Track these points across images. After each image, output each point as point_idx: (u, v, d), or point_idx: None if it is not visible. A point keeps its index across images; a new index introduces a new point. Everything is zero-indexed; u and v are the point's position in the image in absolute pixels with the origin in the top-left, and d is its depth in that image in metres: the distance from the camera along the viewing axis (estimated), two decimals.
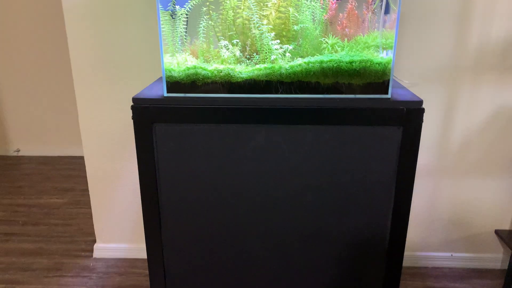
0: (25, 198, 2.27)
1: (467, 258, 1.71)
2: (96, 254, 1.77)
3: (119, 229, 1.73)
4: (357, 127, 1.12)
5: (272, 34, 1.11)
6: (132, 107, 1.13)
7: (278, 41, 1.11)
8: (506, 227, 1.66)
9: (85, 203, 2.20)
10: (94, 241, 1.81)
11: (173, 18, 1.16)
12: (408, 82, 1.34)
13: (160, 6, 1.10)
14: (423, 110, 1.10)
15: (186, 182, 1.20)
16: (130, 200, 1.70)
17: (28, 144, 2.88)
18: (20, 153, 2.90)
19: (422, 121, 1.12)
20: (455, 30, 1.42)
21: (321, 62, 1.09)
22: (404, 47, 1.43)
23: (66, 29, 1.49)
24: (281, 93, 1.12)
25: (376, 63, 1.09)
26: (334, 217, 1.21)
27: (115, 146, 1.61)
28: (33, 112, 2.83)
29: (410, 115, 1.11)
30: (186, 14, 1.16)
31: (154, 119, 1.14)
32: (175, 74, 1.12)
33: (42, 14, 2.58)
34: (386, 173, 1.16)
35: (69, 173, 2.57)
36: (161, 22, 1.13)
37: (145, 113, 1.13)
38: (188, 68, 1.11)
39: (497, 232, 1.67)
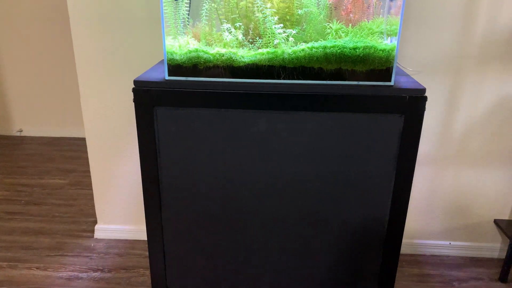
0: (28, 178, 2.28)
1: (465, 247, 1.72)
2: (97, 234, 1.79)
3: (120, 211, 1.75)
4: (359, 114, 1.12)
5: (276, 18, 1.10)
6: (133, 90, 1.13)
7: (282, 25, 1.10)
8: (505, 217, 1.67)
9: (87, 185, 2.22)
10: (95, 222, 1.83)
11: (175, 0, 1.15)
12: (411, 69, 1.32)
13: None
14: (425, 98, 1.10)
15: (187, 166, 1.20)
16: (131, 182, 1.71)
17: (31, 124, 2.89)
18: (23, 133, 2.91)
19: (424, 109, 1.11)
20: (461, 18, 1.40)
21: (325, 47, 1.08)
22: (408, 34, 1.42)
23: (68, 9, 1.47)
24: (283, 78, 1.11)
25: (380, 50, 1.08)
26: (334, 204, 1.22)
27: (116, 127, 1.61)
28: (36, 92, 2.83)
29: (413, 103, 1.10)
30: None
31: (155, 102, 1.13)
32: (177, 57, 1.11)
33: None
34: (386, 161, 1.16)
35: (71, 154, 2.58)
36: (164, 4, 1.11)
37: (146, 96, 1.13)
38: (190, 51, 1.11)
39: (496, 221, 1.67)
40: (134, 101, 1.14)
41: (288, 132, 1.15)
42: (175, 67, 1.12)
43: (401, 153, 1.15)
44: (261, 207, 1.24)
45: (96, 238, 1.79)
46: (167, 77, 1.13)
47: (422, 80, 1.46)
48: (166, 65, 1.11)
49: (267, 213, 1.24)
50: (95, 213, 1.83)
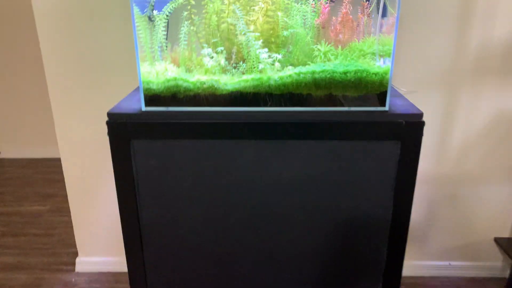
0: (5, 206, 2.17)
1: (466, 267, 1.65)
2: (78, 268, 1.68)
3: (101, 242, 1.64)
4: (352, 142, 1.04)
5: (260, 41, 1.02)
6: (107, 123, 1.04)
7: (266, 49, 1.02)
8: (506, 234, 1.60)
9: (68, 210, 2.09)
10: (76, 253, 1.72)
11: (151, 21, 1.07)
12: (405, 90, 1.25)
13: (136, 9, 1.00)
14: (423, 124, 1.02)
15: (168, 201, 1.11)
16: (112, 212, 1.61)
17: (10, 145, 2.76)
18: (1, 156, 2.78)
19: (422, 135, 1.04)
20: (454, 32, 1.34)
21: (313, 72, 1.01)
22: (400, 51, 1.35)
23: (38, 33, 1.38)
24: (270, 106, 1.03)
25: (373, 73, 1.00)
26: (327, 239, 1.14)
27: (94, 156, 1.51)
28: (13, 112, 2.70)
29: (409, 129, 1.02)
30: (166, 18, 1.06)
31: (131, 136, 1.04)
32: (154, 86, 1.02)
33: (14, 15, 2.45)
34: (383, 191, 1.09)
35: (52, 176, 2.47)
36: (138, 28, 1.03)
37: (122, 129, 1.04)
38: (168, 80, 1.02)
39: (496, 240, 1.61)
40: (108, 135, 1.05)
41: (277, 162, 1.07)
42: (153, 97, 1.03)
43: (399, 182, 1.07)
44: (250, 241, 1.15)
45: (77, 272, 1.68)
46: (144, 108, 1.04)
47: (416, 96, 1.39)
48: (142, 95, 1.02)
49: (256, 248, 1.15)
50: (76, 244, 1.72)
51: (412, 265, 1.65)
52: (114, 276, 1.65)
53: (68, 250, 1.80)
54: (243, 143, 1.04)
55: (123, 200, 1.12)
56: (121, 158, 1.07)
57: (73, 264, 1.71)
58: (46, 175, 2.48)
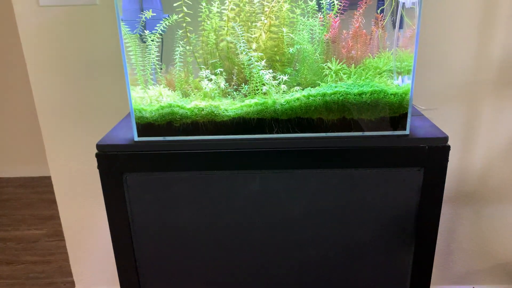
0: (1, 230, 2.07)
1: None
2: None
3: (99, 272, 1.54)
4: (369, 170, 0.93)
5: (263, 61, 0.91)
6: (97, 156, 0.93)
7: (271, 70, 0.91)
8: None
9: None
10: (74, 283, 1.62)
11: (143, 42, 0.96)
12: (424, 108, 1.15)
13: (124, 27, 0.90)
14: (448, 148, 0.91)
15: (166, 239, 1.01)
16: (109, 240, 1.50)
17: (5, 164, 2.67)
18: None
19: (447, 161, 0.93)
20: (475, 41, 1.22)
21: (324, 95, 0.90)
22: (417, 65, 1.24)
23: (25, 55, 1.28)
24: (277, 132, 0.93)
25: (391, 94, 0.89)
26: (343, 275, 1.03)
27: (88, 184, 1.41)
28: (8, 128, 2.62)
29: (433, 154, 0.92)
30: (160, 37, 0.96)
31: (124, 169, 0.94)
32: (147, 114, 0.92)
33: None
34: (405, 223, 0.97)
35: (49, 196, 2.37)
36: (128, 49, 0.92)
37: (113, 162, 0.94)
38: (162, 107, 0.92)
39: None
40: (98, 168, 0.95)
41: (285, 195, 0.96)
42: (146, 126, 0.93)
43: (422, 213, 0.96)
44: (257, 281, 1.04)
45: None
46: (136, 138, 0.93)
47: (435, 112, 1.28)
48: (135, 125, 0.92)
49: (263, 286, 1.05)
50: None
51: None
52: None
53: (65, 279, 1.70)
54: (247, 174, 0.94)
55: (117, 239, 1.01)
56: (113, 193, 0.97)
57: None
58: (43, 195, 2.39)
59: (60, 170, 1.41)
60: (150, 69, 0.96)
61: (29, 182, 2.57)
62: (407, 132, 0.92)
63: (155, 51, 0.95)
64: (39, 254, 1.88)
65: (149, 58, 0.96)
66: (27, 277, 1.73)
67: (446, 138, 0.91)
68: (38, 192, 2.43)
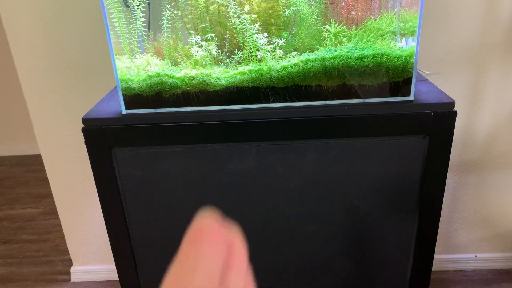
0: None
1: (493, 259, 1.52)
2: (74, 277, 1.57)
3: (96, 249, 1.52)
4: (371, 139, 0.88)
5: (257, 25, 0.85)
6: (83, 130, 0.88)
7: (265, 35, 0.85)
8: None
9: None
10: (71, 261, 1.60)
11: (127, 7, 0.90)
12: (428, 72, 1.09)
13: None
14: (455, 114, 0.86)
15: (160, 214, 0.97)
16: None
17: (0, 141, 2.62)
18: None
19: (454, 127, 0.88)
20: (483, 1, 1.15)
21: (323, 59, 0.84)
22: (422, 27, 1.17)
23: (6, 31, 1.21)
24: (273, 101, 0.87)
25: (394, 57, 0.83)
26: (346, 249, 1.00)
27: (79, 160, 1.36)
28: (3, 104, 2.55)
29: (439, 121, 0.86)
30: (146, 1, 0.89)
31: (112, 143, 0.89)
32: (134, 85, 0.86)
33: None
34: (409, 193, 0.93)
35: (44, 175, 2.31)
36: (111, 13, 0.86)
37: (101, 137, 0.89)
38: (150, 77, 0.86)
39: None
40: (86, 144, 0.90)
41: (283, 167, 0.91)
42: (133, 98, 0.87)
43: (426, 184, 0.92)
44: (255, 257, 1.01)
45: (73, 282, 1.56)
46: (124, 111, 0.88)
47: (440, 76, 1.22)
48: (121, 97, 0.86)
49: (262, 264, 1.02)
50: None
51: (435, 259, 1.52)
52: (112, 284, 1.53)
53: (63, 257, 1.68)
54: (242, 146, 0.89)
55: (110, 216, 0.97)
56: (102, 169, 0.92)
57: (69, 272, 1.59)
58: (38, 173, 2.35)
59: (49, 147, 1.36)
60: (136, 37, 0.89)
61: (23, 160, 2.52)
62: (411, 98, 0.86)
63: (141, 17, 0.89)
64: (35, 232, 1.86)
65: (135, 25, 0.89)
66: (24, 256, 1.71)
67: (452, 104, 0.86)
68: (33, 171, 2.39)
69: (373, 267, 1.03)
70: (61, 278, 1.58)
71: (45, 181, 2.15)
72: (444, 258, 1.52)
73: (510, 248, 1.50)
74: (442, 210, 1.44)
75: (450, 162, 1.36)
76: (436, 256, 1.52)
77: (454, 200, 1.43)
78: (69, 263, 1.60)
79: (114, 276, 1.55)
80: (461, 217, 1.45)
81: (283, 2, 0.89)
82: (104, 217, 0.98)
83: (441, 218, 1.46)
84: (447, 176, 1.39)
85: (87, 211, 1.46)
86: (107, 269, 1.54)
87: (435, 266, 1.53)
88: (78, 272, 1.56)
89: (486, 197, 1.42)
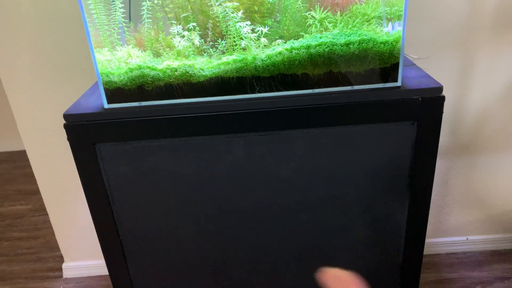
0: None
1: (484, 241, 1.53)
2: (66, 273, 1.55)
3: (87, 246, 1.50)
4: (359, 127, 0.87)
5: (240, 12, 0.82)
6: (65, 126, 0.86)
7: (249, 22, 0.83)
8: None
9: None
10: (62, 257, 1.58)
11: None
12: (416, 57, 1.07)
13: None
14: (443, 99, 0.85)
15: (148, 209, 0.95)
16: None
17: None
18: None
19: (442, 113, 0.87)
20: None
21: (308, 47, 0.82)
22: (408, 10, 1.15)
23: None
24: (259, 91, 0.85)
25: (381, 43, 0.82)
26: (337, 237, 0.99)
27: (64, 156, 1.34)
28: None
29: (427, 107, 0.85)
30: None
31: (95, 139, 0.87)
32: (115, 78, 0.84)
33: None
34: (399, 179, 0.93)
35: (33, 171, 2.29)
36: (90, 6, 0.83)
37: (83, 132, 0.86)
38: (131, 70, 0.83)
39: None
40: (68, 140, 0.88)
41: (272, 158, 0.90)
42: (115, 92, 0.85)
43: (416, 169, 0.91)
44: (247, 249, 1.00)
45: (65, 278, 1.55)
46: (106, 106, 0.86)
47: (428, 61, 1.21)
48: (103, 90, 0.84)
49: (254, 256, 1.01)
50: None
51: (427, 243, 1.52)
52: (105, 279, 1.52)
53: (54, 253, 1.67)
54: (229, 138, 0.87)
55: (97, 212, 0.96)
56: (87, 166, 0.90)
57: (60, 269, 1.57)
58: (26, 169, 2.31)
59: (34, 143, 1.34)
60: (116, 28, 0.86)
61: (11, 156, 2.49)
62: (398, 83, 0.85)
63: (120, 8, 0.86)
64: (25, 230, 1.84)
65: (115, 16, 0.86)
66: (14, 254, 1.69)
67: (440, 88, 0.84)
68: (21, 167, 2.36)
69: (365, 252, 1.02)
70: (53, 275, 1.57)
71: (33, 177, 2.12)
72: (436, 242, 1.53)
73: (500, 229, 1.52)
74: (433, 194, 1.44)
75: (440, 146, 1.36)
76: (428, 240, 1.52)
77: (445, 183, 1.43)
78: (61, 259, 1.58)
79: (106, 271, 1.54)
80: (452, 200, 1.46)
81: None
82: (91, 214, 0.96)
83: (433, 202, 1.47)
84: (438, 160, 1.39)
85: (76, 206, 1.44)
86: (99, 265, 1.53)
87: (427, 250, 1.54)
88: (70, 268, 1.55)
89: (476, 179, 1.42)
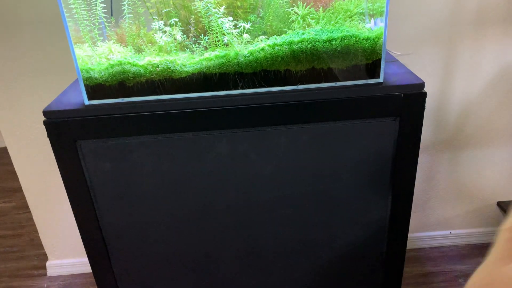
0: None
1: (467, 234, 1.55)
2: (51, 272, 1.54)
3: (71, 243, 1.49)
4: (341, 123, 0.88)
5: (222, 8, 0.82)
6: (45, 123, 0.85)
7: (231, 18, 0.82)
8: (509, 198, 1.49)
9: None
10: (46, 255, 1.57)
11: None
12: (399, 53, 1.08)
13: None
14: (425, 95, 0.86)
15: (131, 207, 0.95)
16: None
17: None
18: None
19: (424, 108, 0.87)
20: None
21: (291, 43, 0.82)
22: (390, 6, 1.15)
23: None
24: (242, 88, 0.85)
25: (363, 39, 0.82)
26: (321, 232, 1.00)
27: (46, 153, 1.32)
28: None
29: (409, 102, 0.86)
30: None
31: (76, 136, 0.86)
32: (95, 74, 0.83)
33: None
34: (381, 175, 0.93)
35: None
36: (70, 0, 0.81)
37: (64, 129, 0.85)
38: (112, 65, 0.82)
39: (499, 204, 1.50)
40: (49, 137, 0.86)
41: (255, 154, 0.90)
42: (96, 88, 0.84)
43: (398, 165, 0.92)
44: (231, 244, 1.00)
45: (49, 276, 1.53)
46: (87, 102, 0.84)
47: (410, 56, 1.22)
48: (83, 86, 0.83)
49: (239, 251, 1.01)
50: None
51: (411, 237, 1.54)
52: (90, 277, 1.51)
53: (38, 251, 1.65)
54: (212, 135, 0.87)
55: (79, 211, 0.95)
56: (68, 163, 0.89)
57: (45, 267, 1.56)
58: (9, 166, 2.26)
59: (15, 140, 1.31)
60: (97, 24, 0.85)
61: None
62: (381, 80, 0.86)
63: (101, 2, 0.85)
64: (9, 227, 1.81)
65: (95, 11, 0.85)
66: None
67: (422, 85, 0.85)
68: (3, 164, 2.32)
69: (348, 248, 1.03)
70: (37, 273, 1.55)
71: (16, 174, 2.09)
72: (420, 236, 1.55)
73: (483, 223, 1.54)
74: (416, 189, 1.46)
75: (423, 141, 1.37)
76: (411, 234, 1.54)
77: (428, 178, 1.45)
78: (45, 257, 1.56)
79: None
80: (435, 195, 1.48)
81: None
82: (73, 212, 0.95)
83: (416, 197, 1.48)
84: (421, 155, 1.40)
85: (60, 204, 1.42)
86: (83, 262, 1.52)
87: (411, 244, 1.56)
88: (54, 266, 1.53)
89: (459, 174, 1.44)
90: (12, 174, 2.22)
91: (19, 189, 2.07)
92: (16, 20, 1.15)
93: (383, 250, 1.03)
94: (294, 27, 0.84)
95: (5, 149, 2.52)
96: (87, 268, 1.52)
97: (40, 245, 1.65)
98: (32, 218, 1.52)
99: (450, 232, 1.55)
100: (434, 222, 1.53)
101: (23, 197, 2.01)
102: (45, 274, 1.54)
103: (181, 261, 1.02)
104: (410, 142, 0.90)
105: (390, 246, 1.01)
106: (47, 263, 1.53)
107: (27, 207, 1.93)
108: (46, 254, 1.53)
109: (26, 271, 1.56)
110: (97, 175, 0.91)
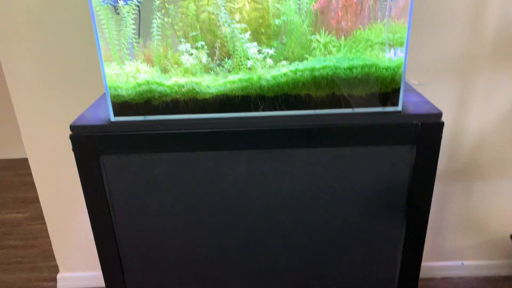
0: None
1: (480, 266, 1.53)
2: (61, 284, 1.55)
3: (83, 256, 1.50)
4: (359, 148, 0.89)
5: (247, 34, 0.85)
6: (71, 137, 0.88)
7: (256, 44, 0.85)
8: None
9: None
10: (57, 267, 1.58)
11: (117, 14, 0.89)
12: (416, 82, 1.10)
13: None
14: (442, 125, 0.87)
15: (149, 223, 0.96)
16: None
17: None
18: None
19: (441, 138, 0.89)
20: (471, 12, 1.17)
21: (312, 70, 0.84)
22: (410, 37, 1.18)
23: None
24: (263, 110, 0.87)
25: (383, 68, 0.84)
26: (333, 258, 1.00)
27: (67, 166, 1.35)
28: None
29: (426, 131, 0.87)
30: (136, 8, 0.89)
31: (101, 151, 0.89)
32: (123, 92, 0.86)
33: None
34: (396, 202, 0.94)
35: (31, 179, 2.29)
36: (102, 21, 0.85)
37: (89, 144, 0.88)
38: (139, 84, 0.85)
39: None
40: (73, 151, 0.89)
41: (273, 175, 0.92)
42: (122, 105, 0.87)
43: (414, 193, 0.93)
44: (246, 266, 1.01)
45: None
46: (113, 119, 0.87)
47: (427, 86, 1.24)
48: (110, 104, 0.86)
49: (253, 273, 1.02)
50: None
51: (423, 266, 1.53)
52: None
53: (49, 263, 1.66)
54: (232, 154, 0.89)
55: (97, 223, 0.97)
56: (90, 177, 0.91)
57: (55, 280, 1.57)
58: (25, 177, 2.32)
59: (36, 151, 1.35)
60: (126, 43, 0.89)
61: (10, 164, 2.49)
62: (399, 108, 0.87)
63: (130, 23, 0.89)
64: (21, 238, 1.83)
65: (125, 32, 0.89)
66: (9, 262, 1.68)
67: (439, 114, 0.87)
68: (20, 175, 2.36)
69: (361, 274, 1.03)
70: (47, 285, 1.56)
71: (32, 185, 2.12)
72: (431, 266, 1.54)
73: (496, 255, 1.52)
74: (429, 218, 1.46)
75: (437, 170, 1.37)
76: (423, 264, 1.53)
77: (441, 208, 1.44)
78: (56, 269, 1.58)
79: (101, 283, 1.53)
80: (448, 225, 1.47)
81: (274, 12, 0.90)
82: (91, 224, 0.97)
83: (429, 226, 1.48)
84: (435, 184, 1.41)
85: (74, 216, 1.44)
86: (94, 276, 1.52)
87: (423, 274, 1.54)
88: (65, 279, 1.54)
89: (472, 205, 1.44)
90: (26, 185, 2.26)
91: (33, 200, 2.11)
92: (50, 34, 1.20)
93: (395, 278, 1.03)
94: (316, 54, 0.87)
95: (21, 160, 2.57)
96: (98, 282, 1.53)
97: (51, 257, 1.67)
98: (45, 230, 1.54)
99: (462, 263, 1.53)
100: (446, 252, 1.52)
101: (36, 208, 2.04)
102: (55, 287, 1.55)
103: (195, 279, 1.03)
104: (426, 171, 0.91)
105: (403, 275, 1.01)
106: (58, 275, 1.54)
107: (40, 218, 1.96)
108: (57, 266, 1.55)
109: (36, 282, 1.57)
110: (117, 189, 0.93)
